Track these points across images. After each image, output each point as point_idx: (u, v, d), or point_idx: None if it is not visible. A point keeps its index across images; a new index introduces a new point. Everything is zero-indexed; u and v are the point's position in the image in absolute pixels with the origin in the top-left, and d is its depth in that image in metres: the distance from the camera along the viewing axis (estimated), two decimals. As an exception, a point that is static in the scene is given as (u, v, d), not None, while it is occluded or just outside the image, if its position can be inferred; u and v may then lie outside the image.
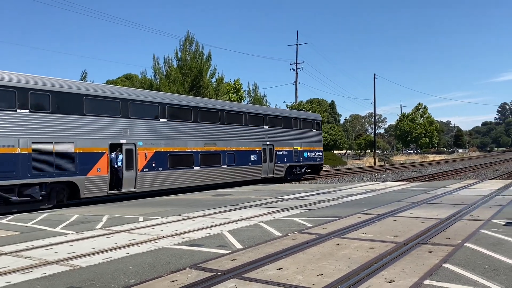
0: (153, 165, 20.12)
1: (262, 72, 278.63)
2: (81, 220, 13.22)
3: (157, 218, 12.79)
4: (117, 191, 18.75)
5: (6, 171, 14.78)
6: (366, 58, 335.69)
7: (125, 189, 18.99)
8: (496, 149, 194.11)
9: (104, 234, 10.31)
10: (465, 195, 16.44)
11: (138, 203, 17.89)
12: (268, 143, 27.08)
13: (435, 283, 5.64)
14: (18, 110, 15.36)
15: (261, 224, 11.02)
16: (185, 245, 8.68)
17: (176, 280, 6.17)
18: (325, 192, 19.76)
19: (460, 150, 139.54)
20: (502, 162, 58.61)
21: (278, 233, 9.59)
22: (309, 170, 32.05)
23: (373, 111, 71.36)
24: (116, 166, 18.67)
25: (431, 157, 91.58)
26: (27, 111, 15.61)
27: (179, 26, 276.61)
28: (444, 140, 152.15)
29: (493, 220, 10.45)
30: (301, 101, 66.73)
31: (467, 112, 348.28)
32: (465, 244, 7.89)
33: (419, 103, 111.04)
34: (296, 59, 63.27)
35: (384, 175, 35.12)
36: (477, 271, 6.15)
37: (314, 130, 32.43)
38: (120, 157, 18.79)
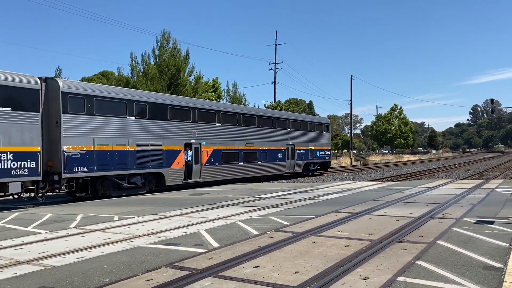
0: (212, 160, 24.91)
1: (241, 71, 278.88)
2: (54, 219, 12.93)
3: (132, 217, 12.62)
4: (189, 180, 23.55)
5: (120, 163, 19.44)
6: (343, 60, 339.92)
7: (194, 179, 23.80)
8: (468, 150, 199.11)
9: (78, 233, 10.12)
10: (438, 194, 16.82)
11: (113, 202, 17.63)
12: (290, 143, 31.94)
13: (408, 279, 5.75)
14: (127, 117, 19.95)
15: (238, 222, 11.01)
16: (161, 244, 8.60)
17: (152, 279, 6.11)
18: (302, 191, 19.90)
19: (433, 151, 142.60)
20: (474, 162, 60.22)
21: (255, 232, 9.60)
22: (319, 167, 36.44)
23: (350, 112, 72.29)
24: (187, 161, 23.21)
25: (406, 157, 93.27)
26: (133, 118, 20.25)
27: (157, 24, 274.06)
28: (419, 140, 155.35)
29: (464, 219, 10.73)
30: (279, 100, 66.92)
31: (441, 113, 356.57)
32: (437, 241, 8.08)
33: (394, 104, 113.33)
34: (275, 59, 63.63)
35: (360, 175, 35.60)
36: (448, 268, 6.30)
37: (324, 132, 37.46)
38: (190, 153, 23.40)
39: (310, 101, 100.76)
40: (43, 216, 13.63)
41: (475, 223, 10.09)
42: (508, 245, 7.68)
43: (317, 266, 6.53)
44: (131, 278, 6.24)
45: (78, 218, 12.92)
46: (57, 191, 17.72)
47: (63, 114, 17.34)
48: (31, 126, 16.35)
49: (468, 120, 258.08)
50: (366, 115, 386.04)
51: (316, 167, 35.65)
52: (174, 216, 12.69)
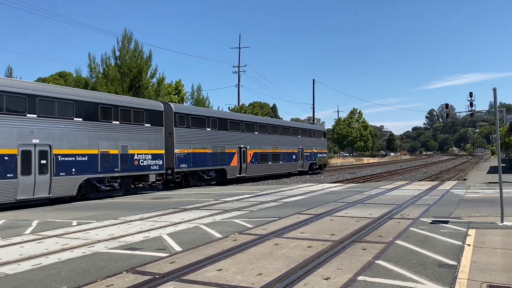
0: (253, 160, 32.45)
1: (205, 74, 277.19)
2: (8, 225, 12.37)
3: (92, 222, 12.28)
4: (239, 175, 30.83)
5: (203, 162, 27.16)
6: (306, 64, 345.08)
7: (242, 174, 31.05)
8: (425, 153, 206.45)
9: (33, 240, 9.73)
10: (397, 196, 17.36)
11: (72, 207, 17.08)
12: (300, 147, 39.92)
13: (368, 279, 5.90)
14: (207, 129, 27.84)
15: (202, 226, 10.94)
16: (121, 249, 8.42)
17: (112, 285, 5.97)
18: (266, 194, 20.01)
19: (392, 154, 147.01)
20: (430, 164, 62.48)
21: (218, 235, 9.57)
22: (318, 166, 44.07)
23: (312, 115, 73.40)
24: (239, 160, 30.48)
25: (366, 160, 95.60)
26: (210, 129, 28.08)
27: (118, 25, 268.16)
28: (378, 143, 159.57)
29: (421, 219, 11.13)
30: (243, 104, 67.12)
31: (399, 117, 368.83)
32: (395, 241, 8.34)
33: (354, 108, 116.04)
34: (239, 62, 63.80)
35: (322, 177, 36.17)
36: (406, 266, 6.52)
37: (322, 138, 46.38)
38: (240, 155, 30.58)
39: (274, 104, 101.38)
40: (-4, 222, 13.01)
41: (431, 223, 10.48)
42: (461, 243, 8.03)
43: (280, 268, 6.58)
44: (91, 284, 6.08)
45: (34, 223, 12.43)
46: (173, 180, 25.33)
47: (174, 127, 24.90)
48: (159, 136, 23.60)
49: (424, 124, 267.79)
50: (328, 119, 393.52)
51: (317, 166, 43.57)
52: (135, 220, 12.44)
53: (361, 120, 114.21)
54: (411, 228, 9.73)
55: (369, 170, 50.10)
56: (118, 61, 38.34)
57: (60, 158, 18.23)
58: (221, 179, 29.24)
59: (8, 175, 16.24)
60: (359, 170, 50.79)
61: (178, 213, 13.73)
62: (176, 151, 24.69)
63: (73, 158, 18.81)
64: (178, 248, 8.28)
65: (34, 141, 17.32)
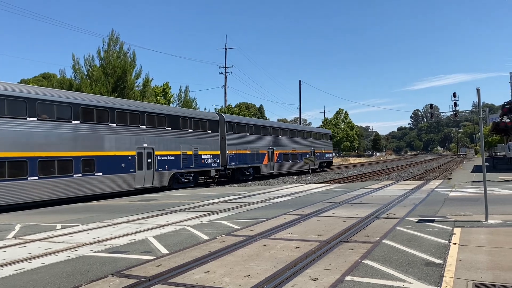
0: (278, 159, 38.39)
1: (192, 75, 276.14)
2: (-10, 229, 12.10)
3: (77, 225, 12.09)
4: (269, 172, 36.72)
5: (245, 160, 33.03)
6: (292, 65, 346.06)
7: (270, 171, 36.84)
8: (410, 153, 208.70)
9: (16, 244, 9.53)
10: (383, 195, 17.48)
11: (56, 210, 16.81)
12: (312, 148, 46.30)
13: (355, 278, 5.90)
14: (247, 134, 33.75)
15: (189, 228, 10.85)
16: (107, 252, 8.29)
17: (97, 289, 5.86)
18: (253, 195, 19.97)
19: (378, 154, 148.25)
20: (415, 164, 63.13)
21: (205, 237, 9.50)
22: (325, 165, 51.16)
23: (299, 116, 73.64)
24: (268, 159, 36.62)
25: (352, 160, 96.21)
26: (249, 134, 34.19)
27: (105, 28, 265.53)
28: (364, 144, 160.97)
29: (407, 218, 11.20)
30: (230, 104, 66.93)
31: (384, 117, 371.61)
32: (382, 240, 8.37)
33: (340, 109, 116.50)
34: (225, 63, 63.76)
35: (309, 177, 36.27)
36: (393, 265, 6.54)
37: (329, 140, 54.06)
38: (269, 154, 36.45)
39: (261, 105, 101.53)
40: (-23, 226, 12.72)
41: (417, 222, 10.56)
42: (447, 242, 8.09)
43: (268, 269, 6.55)
44: (75, 289, 5.96)
45: (17, 227, 12.19)
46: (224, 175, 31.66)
47: (226, 133, 31.03)
48: (216, 140, 29.84)
49: (409, 124, 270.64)
50: (315, 119, 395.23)
51: (325, 164, 50.64)
52: (121, 223, 12.29)
53: (347, 120, 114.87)
54: (397, 228, 9.79)
55: (355, 170, 50.42)
56: (102, 62, 37.94)
57: (159, 158, 24.44)
58: (256, 174, 35.36)
59: (130, 170, 22.41)
60: (346, 170, 51.09)
61: (165, 215, 13.61)
62: (227, 152, 31.07)
63: (166, 158, 25.08)
64: (164, 251, 8.19)
65: (144, 145, 23.37)
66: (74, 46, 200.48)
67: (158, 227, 11.15)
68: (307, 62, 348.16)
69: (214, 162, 29.28)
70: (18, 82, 44.45)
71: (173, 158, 25.40)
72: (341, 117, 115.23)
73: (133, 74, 39.24)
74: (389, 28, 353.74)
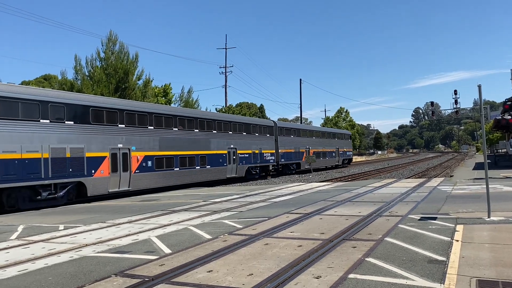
0: (293, 154, 42.96)
1: (192, 75, 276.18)
2: (-7, 231, 12.13)
3: (79, 226, 12.11)
4: (307, 167, 43.14)
5: (290, 158, 40.99)
6: (293, 64, 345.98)
7: (307, 167, 43.18)
8: (411, 151, 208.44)
9: (19, 245, 9.56)
10: (385, 193, 17.46)
11: (58, 211, 16.84)
12: (337, 147, 54.64)
13: (358, 276, 5.91)
14: (291, 136, 41.99)
15: (191, 228, 10.86)
16: (110, 252, 8.30)
17: (101, 289, 5.87)
18: (255, 194, 19.97)
19: (379, 152, 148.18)
20: (417, 162, 63.11)
21: (208, 236, 9.51)
22: (347, 161, 59.75)
23: (299, 115, 73.61)
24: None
25: (353, 158, 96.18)
26: (293, 136, 42.30)
27: (106, 28, 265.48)
28: (365, 142, 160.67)
29: (409, 216, 11.19)
30: (231, 104, 66.86)
31: (385, 116, 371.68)
32: (385, 238, 8.37)
33: (341, 107, 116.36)
34: (226, 62, 63.69)
35: (310, 176, 36.28)
36: (396, 263, 6.54)
37: (349, 139, 62.74)
38: (306, 153, 44.02)
39: (261, 104, 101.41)
40: (-20, 228, 12.76)
41: (419, 219, 10.56)
42: (449, 239, 8.09)
43: (271, 267, 6.56)
44: (79, 289, 5.97)
45: (20, 229, 12.22)
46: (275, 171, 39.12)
47: (278, 136, 39.02)
48: (272, 141, 37.99)
49: (410, 122, 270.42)
50: (316, 118, 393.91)
51: (346, 161, 58.91)
52: (123, 223, 12.30)
53: (348, 119, 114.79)
54: (400, 225, 9.78)
55: (356, 168, 50.40)
56: (103, 63, 37.97)
57: (239, 155, 32.88)
58: (297, 169, 42.73)
59: (224, 164, 30.93)
60: (347, 168, 51.09)
61: (167, 215, 13.63)
62: (279, 151, 38.97)
63: (244, 155, 33.53)
64: (167, 250, 8.20)
65: (232, 146, 31.92)
66: (75, 48, 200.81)
67: (161, 227, 11.17)
68: (307, 61, 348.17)
69: (271, 159, 37.76)
70: (20, 84, 44.45)
71: (247, 155, 33.93)
72: (342, 115, 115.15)
73: (135, 75, 39.27)
74: (389, 26, 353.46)
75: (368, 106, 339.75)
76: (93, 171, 20.25)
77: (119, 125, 22.10)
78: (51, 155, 18.30)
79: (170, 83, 47.85)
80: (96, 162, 20.46)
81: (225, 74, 63.11)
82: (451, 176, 28.33)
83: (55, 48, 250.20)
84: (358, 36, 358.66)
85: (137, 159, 23.01)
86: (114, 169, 21.49)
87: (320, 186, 23.74)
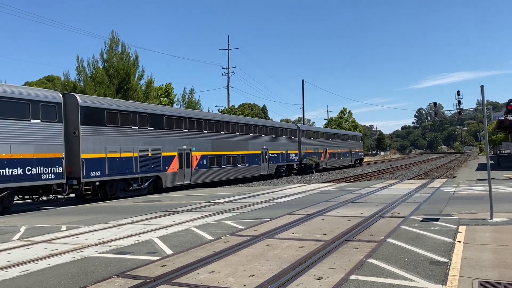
0: (329, 157, 49.99)
1: (195, 76, 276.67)
2: (-5, 231, 12.17)
3: (81, 227, 12.13)
4: (324, 166, 48.24)
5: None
6: (295, 65, 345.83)
7: (324, 165, 48.14)
8: (414, 151, 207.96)
9: (22, 246, 9.58)
10: (387, 194, 17.43)
11: (60, 212, 16.88)
12: (350, 148, 58.68)
13: (360, 277, 5.89)
14: (311, 138, 46.54)
15: (193, 228, 10.86)
16: (112, 253, 8.32)
17: (102, 290, 5.88)
18: (257, 195, 19.97)
19: (382, 153, 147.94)
20: (419, 163, 62.93)
21: (210, 237, 9.51)
22: (359, 161, 63.73)
23: (302, 116, 73.58)
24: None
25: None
26: (313, 138, 46.85)
27: (108, 29, 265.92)
28: (368, 143, 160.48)
29: (412, 217, 11.17)
30: (233, 105, 66.86)
31: (388, 116, 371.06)
32: (387, 239, 8.35)
33: (343, 108, 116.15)
34: (228, 63, 63.53)
35: (312, 177, 36.24)
36: (398, 264, 6.52)
37: (361, 141, 67.16)
38: (324, 153, 48.33)
39: (264, 105, 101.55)
40: (-17, 228, 12.80)
41: (421, 220, 10.53)
42: (452, 240, 8.06)
43: (272, 269, 6.55)
44: (80, 289, 5.98)
45: (22, 229, 12.25)
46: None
47: (301, 138, 43.06)
48: (296, 143, 42.24)
49: (413, 122, 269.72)
50: (318, 119, 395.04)
51: (358, 161, 63.01)
52: (125, 224, 12.32)
53: (350, 119, 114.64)
54: (402, 226, 9.76)
55: (359, 169, 50.34)
56: (105, 64, 38.05)
57: (271, 155, 36.92)
58: (316, 168, 44.96)
59: (259, 162, 35.10)
60: (350, 169, 51.02)
61: (169, 216, 13.64)
62: (302, 151, 42.95)
63: (274, 155, 37.58)
64: (169, 251, 8.21)
65: (264, 147, 36.10)
66: (78, 49, 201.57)
67: (163, 228, 11.18)
68: (310, 61, 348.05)
69: (296, 158, 41.65)
70: (23, 85, 44.58)
71: (276, 155, 38.07)
72: (345, 116, 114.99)
73: (136, 76, 39.34)
74: (392, 26, 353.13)
75: (371, 107, 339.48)
76: (166, 167, 24.80)
77: (183, 130, 26.84)
78: (139, 154, 22.75)
79: (170, 83, 47.82)
80: (168, 160, 25.04)
81: (228, 75, 63.15)
82: (454, 177, 28.26)
83: (58, 49, 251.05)
84: (361, 37, 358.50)
85: (196, 158, 27.73)
86: (180, 165, 26.08)
87: (323, 187, 23.72)
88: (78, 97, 20.05)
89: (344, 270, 6.30)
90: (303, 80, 68.02)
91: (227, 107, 62.41)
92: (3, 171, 16.30)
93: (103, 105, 21.25)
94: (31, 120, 17.57)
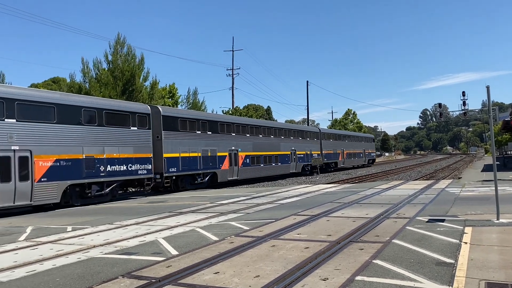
0: (346, 157, 54.66)
1: (199, 77, 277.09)
2: (2, 232, 12.25)
3: (87, 228, 12.17)
4: (341, 166, 53.30)
5: (330, 157, 49.96)
6: (300, 66, 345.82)
7: (342, 165, 53.29)
8: (419, 152, 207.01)
9: (28, 246, 9.63)
10: (392, 195, 17.37)
11: (66, 213, 16.95)
12: (363, 149, 63.06)
13: (366, 278, 5.87)
14: (330, 140, 50.89)
15: (198, 229, 10.87)
16: (117, 254, 8.34)
17: (108, 290, 5.89)
18: (262, 196, 19.96)
19: (387, 154, 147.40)
20: (424, 164, 62.67)
21: (215, 238, 9.51)
22: (371, 161, 68.60)
23: (306, 117, 73.47)
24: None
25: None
26: (332, 140, 51.42)
27: (113, 31, 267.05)
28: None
29: (417, 218, 11.12)
30: (237, 106, 66.92)
31: (392, 117, 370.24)
32: (392, 240, 8.32)
33: (348, 109, 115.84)
34: (232, 65, 63.57)
35: (317, 178, 36.18)
36: (404, 265, 6.49)
37: (373, 142, 71.59)
38: (342, 154, 52.86)
39: (268, 106, 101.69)
40: (-11, 229, 12.87)
41: (427, 221, 10.48)
42: (458, 241, 8.02)
43: (278, 269, 6.54)
44: (86, 290, 6.00)
45: (28, 230, 12.31)
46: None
47: (321, 140, 47.66)
48: (318, 144, 46.74)
49: (418, 123, 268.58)
50: (323, 120, 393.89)
51: (371, 161, 67.61)
52: (130, 225, 12.35)
53: (355, 120, 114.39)
54: (407, 227, 9.72)
55: (364, 170, 50.19)
56: (110, 65, 38.18)
57: (298, 155, 41.29)
58: (335, 167, 51.11)
59: (288, 162, 39.55)
60: (354, 170, 50.88)
61: (174, 217, 13.66)
62: (323, 151, 47.46)
63: (300, 155, 41.83)
64: (174, 252, 8.22)
65: (293, 148, 40.54)
66: (83, 50, 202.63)
67: (168, 229, 11.19)
68: (314, 62, 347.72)
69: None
70: (29, 87, 44.83)
71: (302, 156, 42.42)
72: (350, 117, 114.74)
73: (141, 77, 39.44)
74: (396, 27, 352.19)
75: (376, 107, 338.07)
76: (220, 165, 29.66)
77: (232, 134, 31.72)
78: (201, 154, 27.70)
79: (174, 83, 47.84)
80: (222, 159, 29.86)
81: (232, 77, 63.18)
82: (459, 178, 28.12)
83: (63, 51, 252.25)
84: (365, 38, 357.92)
85: (241, 157, 32.37)
86: (230, 164, 30.82)
87: (327, 188, 23.67)
88: (160, 108, 25.44)
89: (349, 271, 6.28)
90: (307, 81, 67.99)
91: (231, 108, 62.45)
92: (114, 168, 20.95)
93: (176, 114, 26.80)
94: (131, 128, 22.30)
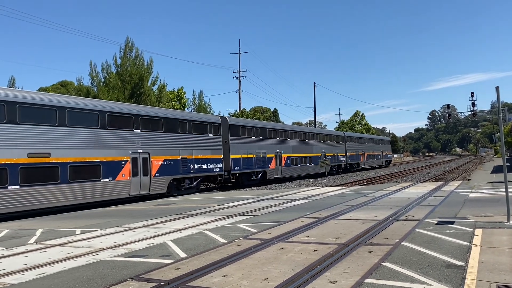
0: (367, 158, 59.50)
1: (206, 80, 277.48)
2: (12, 235, 12.35)
3: (96, 230, 12.24)
4: (362, 167, 57.71)
5: (353, 158, 54.72)
6: (306, 68, 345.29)
7: (363, 166, 57.75)
8: (427, 154, 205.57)
9: (37, 249, 9.70)
10: (401, 197, 17.26)
11: (75, 215, 17.06)
12: (381, 150, 66.40)
13: (375, 281, 5.84)
14: (353, 143, 55.59)
15: (206, 232, 10.89)
16: (126, 256, 8.37)
17: (117, 293, 5.92)
18: (269, 198, 19.94)
19: (395, 155, 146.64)
20: (433, 165, 62.23)
21: (223, 240, 9.51)
22: (388, 162, 72.29)
23: (314, 119, 73.35)
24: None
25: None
26: (354, 143, 56.12)
27: (119, 34, 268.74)
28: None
29: (426, 220, 11.04)
30: (244, 108, 66.95)
31: (401, 119, 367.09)
32: (402, 243, 8.26)
33: (356, 111, 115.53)
34: (239, 67, 63.68)
35: (325, 180, 36.08)
36: (413, 268, 6.44)
37: (389, 144, 74.57)
38: (363, 155, 58.89)
39: (275, 108, 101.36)
40: (0, 232, 12.99)
41: (436, 223, 10.40)
42: (468, 243, 7.95)
43: (286, 272, 6.52)
44: (95, 292, 6.02)
45: (38, 233, 12.40)
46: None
47: (346, 143, 52.71)
48: (343, 147, 51.58)
49: (426, 125, 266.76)
50: (330, 122, 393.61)
51: (388, 162, 71.15)
52: (139, 227, 12.40)
53: (363, 122, 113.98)
54: (417, 230, 9.65)
55: (372, 172, 49.96)
56: (119, 69, 38.45)
57: (327, 157, 45.20)
58: (357, 168, 55.39)
59: (318, 162, 42.85)
60: (363, 172, 50.67)
61: (182, 219, 13.69)
62: (347, 153, 51.54)
63: (329, 157, 45.85)
64: (182, 255, 8.23)
65: (322, 150, 44.93)
66: (91, 55, 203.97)
67: (176, 231, 11.22)
68: (321, 64, 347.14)
69: (343, 160, 50.91)
70: (37, 90, 45.25)
71: (331, 157, 46.62)
72: (358, 119, 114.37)
73: (150, 81, 39.67)
74: (404, 28, 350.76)
75: (384, 109, 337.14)
76: (269, 165, 34.94)
77: (277, 138, 36.99)
78: (256, 156, 33.01)
79: (182, 87, 48.14)
80: (270, 160, 35.16)
81: (239, 79, 63.29)
82: (468, 179, 27.88)
83: (72, 55, 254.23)
84: (373, 39, 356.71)
85: (284, 158, 37.41)
86: (276, 164, 36.02)
87: (335, 190, 23.59)
88: (228, 119, 31.34)
89: (358, 273, 6.24)
90: (314, 83, 67.92)
91: (238, 110, 62.52)
92: (199, 166, 26.70)
93: (239, 123, 33.10)
94: (208, 134, 27.94)
